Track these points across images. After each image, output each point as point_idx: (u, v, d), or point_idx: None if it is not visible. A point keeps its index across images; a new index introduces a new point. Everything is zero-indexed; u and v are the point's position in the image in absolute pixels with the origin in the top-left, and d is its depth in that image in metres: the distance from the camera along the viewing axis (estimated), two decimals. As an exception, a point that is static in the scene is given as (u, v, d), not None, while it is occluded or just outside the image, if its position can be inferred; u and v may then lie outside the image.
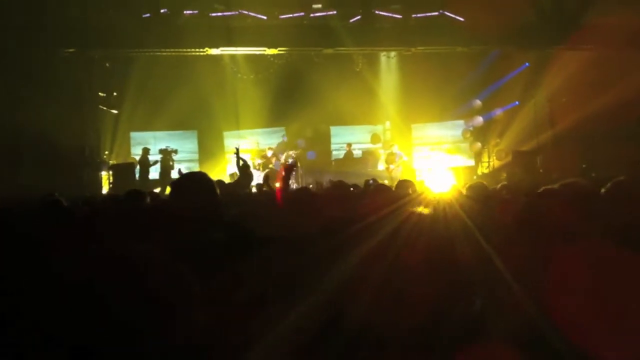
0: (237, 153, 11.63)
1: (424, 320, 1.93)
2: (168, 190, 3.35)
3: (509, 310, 2.07)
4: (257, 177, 16.38)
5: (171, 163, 17.07)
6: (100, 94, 15.74)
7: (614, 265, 2.07)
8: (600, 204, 3.24)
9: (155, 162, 16.90)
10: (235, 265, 2.13)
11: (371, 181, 9.28)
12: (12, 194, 9.91)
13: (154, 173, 16.85)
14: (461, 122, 18.72)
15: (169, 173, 16.74)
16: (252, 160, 17.33)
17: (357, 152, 19.04)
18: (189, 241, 2.60)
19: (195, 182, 3.02)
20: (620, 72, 13.95)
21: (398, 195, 4.79)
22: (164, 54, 15.11)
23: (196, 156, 19.50)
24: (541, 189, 3.73)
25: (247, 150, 18.52)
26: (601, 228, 2.64)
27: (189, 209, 2.86)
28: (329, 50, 15.41)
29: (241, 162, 12.12)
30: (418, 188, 8.43)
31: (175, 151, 17.36)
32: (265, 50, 15.09)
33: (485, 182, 6.88)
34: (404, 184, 5.62)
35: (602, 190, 3.48)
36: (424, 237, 2.30)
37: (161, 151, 17.14)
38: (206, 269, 1.90)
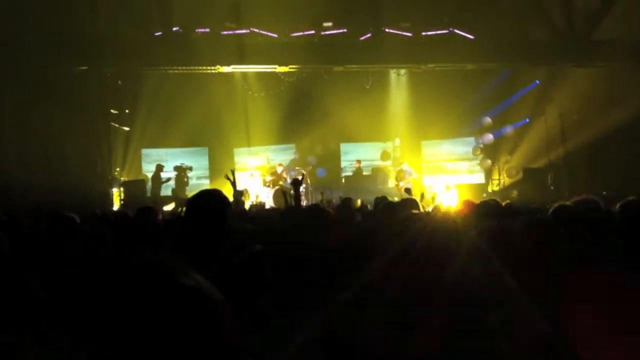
0: (232, 176, 10.88)
1: (436, 341, 1.92)
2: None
3: (523, 330, 2.06)
4: (268, 194, 16.43)
5: (186, 180, 17.15)
6: (112, 111, 15.86)
7: (629, 289, 2.06)
8: (613, 223, 3.22)
9: (168, 180, 16.98)
10: (241, 281, 2.14)
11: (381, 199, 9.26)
12: (24, 208, 9.98)
13: (166, 190, 16.93)
14: (471, 139, 18.71)
15: (184, 190, 16.81)
16: (263, 177, 17.36)
17: (366, 170, 19.04)
18: (199, 257, 2.60)
19: (210, 199, 3.04)
20: (632, 88, 13.91)
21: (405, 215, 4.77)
22: (176, 71, 15.24)
23: (207, 173, 19.58)
24: (556, 205, 3.70)
25: (257, 167, 18.57)
26: (613, 249, 2.62)
27: (202, 226, 2.88)
28: (339, 68, 15.48)
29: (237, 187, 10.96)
30: (426, 205, 8.41)
31: (190, 168, 17.46)
32: (276, 68, 15.18)
33: (497, 199, 6.84)
34: (408, 203, 5.58)
35: (614, 209, 3.46)
36: (435, 258, 2.29)
37: (176, 168, 17.24)
38: (216, 285, 1.89)
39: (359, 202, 6.87)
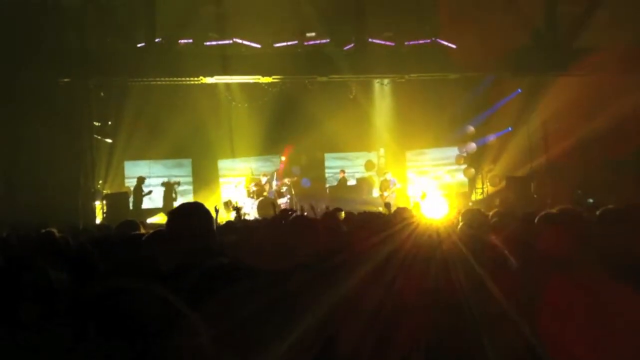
0: (237, 210, 10.85)
1: (418, 346, 1.91)
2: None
3: (504, 335, 2.05)
4: (252, 205, 16.35)
5: (174, 195, 17.06)
6: (95, 123, 15.71)
7: (607, 292, 2.06)
8: (594, 231, 3.25)
9: (150, 192, 16.91)
10: (225, 294, 2.12)
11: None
12: (8, 222, 9.86)
13: (148, 202, 16.84)
14: (455, 148, 18.79)
15: (172, 205, 16.68)
16: (247, 188, 17.29)
17: (351, 180, 19.06)
18: (182, 269, 2.58)
19: (192, 211, 3.05)
20: (614, 97, 14.04)
21: (394, 221, 4.78)
22: (159, 82, 15.16)
23: (190, 185, 19.48)
24: (542, 214, 3.71)
25: (241, 177, 18.50)
26: (595, 255, 2.64)
27: (184, 238, 2.86)
28: (323, 78, 15.48)
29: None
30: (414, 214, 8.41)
31: (178, 183, 17.39)
32: (259, 79, 15.17)
33: (481, 208, 6.88)
34: (401, 212, 5.60)
35: (595, 215, 3.50)
36: (418, 264, 2.28)
37: (164, 184, 17.19)
38: (196, 297, 1.87)
39: (342, 214, 6.80)
